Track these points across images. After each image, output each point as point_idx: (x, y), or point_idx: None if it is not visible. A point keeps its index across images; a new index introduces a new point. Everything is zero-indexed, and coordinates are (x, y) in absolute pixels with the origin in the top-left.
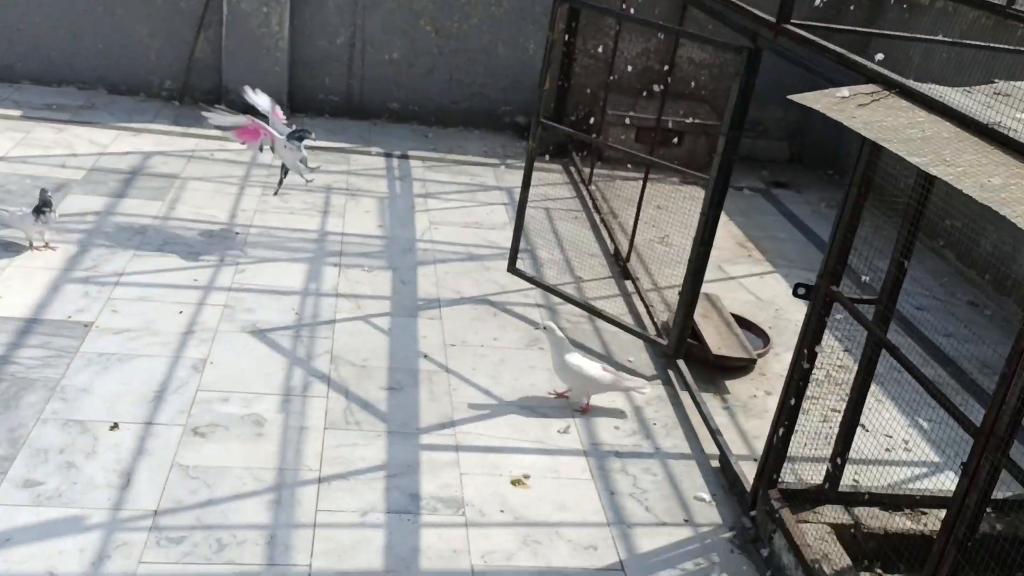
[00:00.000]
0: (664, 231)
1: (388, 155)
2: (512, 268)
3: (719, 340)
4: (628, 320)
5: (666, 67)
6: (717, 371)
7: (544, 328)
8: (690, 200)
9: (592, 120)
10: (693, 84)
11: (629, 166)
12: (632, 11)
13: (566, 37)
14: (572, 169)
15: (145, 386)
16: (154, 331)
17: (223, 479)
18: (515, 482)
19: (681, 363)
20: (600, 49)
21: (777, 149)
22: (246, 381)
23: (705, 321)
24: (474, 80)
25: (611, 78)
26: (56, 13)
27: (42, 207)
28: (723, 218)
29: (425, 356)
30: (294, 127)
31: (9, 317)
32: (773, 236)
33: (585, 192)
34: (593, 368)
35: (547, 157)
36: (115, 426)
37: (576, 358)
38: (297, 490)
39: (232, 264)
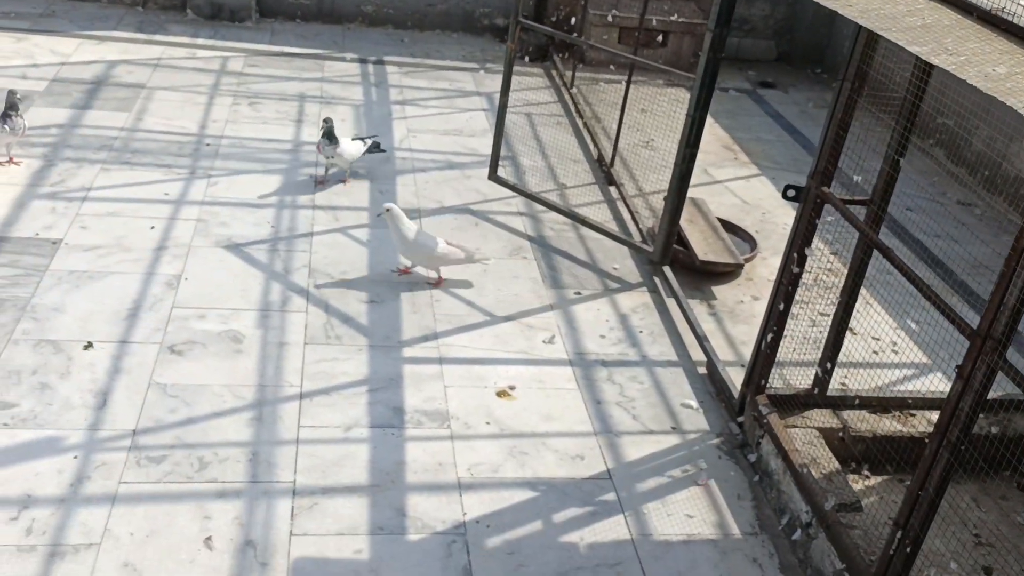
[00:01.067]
0: (649, 135)
1: (363, 61)
2: (493, 176)
3: (705, 245)
4: (613, 227)
5: None
6: (703, 277)
7: (386, 211)
8: (675, 103)
9: (573, 21)
10: None
11: (612, 68)
12: None
13: None
14: (554, 73)
15: (119, 304)
16: (125, 247)
17: (202, 397)
18: (500, 393)
19: (667, 269)
20: None
21: (764, 48)
22: (223, 297)
23: (691, 226)
24: None
25: None
26: None
27: (8, 111)
28: (708, 120)
29: (405, 267)
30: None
31: None
32: (759, 138)
33: (567, 96)
34: (434, 242)
35: (527, 60)
36: (89, 345)
37: (418, 233)
38: (278, 407)
39: (204, 177)
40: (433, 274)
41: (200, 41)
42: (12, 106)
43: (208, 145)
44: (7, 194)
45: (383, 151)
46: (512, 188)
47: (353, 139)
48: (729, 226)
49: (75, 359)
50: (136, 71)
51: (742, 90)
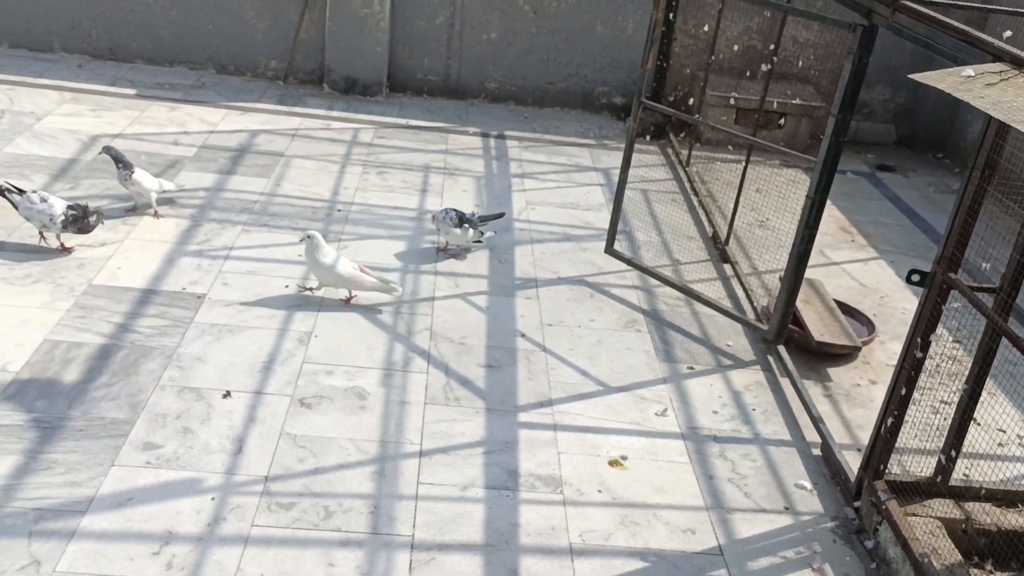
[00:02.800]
0: (764, 214)
1: (485, 135)
2: (610, 249)
3: (822, 326)
4: (727, 304)
5: (772, 47)
6: (819, 358)
7: (308, 238)
8: (791, 183)
9: (691, 101)
10: (801, 64)
11: (730, 147)
12: None
13: (667, 16)
14: (669, 151)
15: (255, 356)
16: (262, 304)
17: (328, 449)
18: (613, 463)
19: (781, 349)
20: (702, 28)
21: (883, 132)
22: (349, 355)
23: (807, 307)
24: (571, 60)
25: (711, 58)
26: None
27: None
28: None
29: (522, 335)
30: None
31: (129, 287)
32: (877, 221)
33: (683, 174)
34: (345, 266)
35: (645, 138)
36: (227, 394)
37: (331, 257)
38: (399, 462)
39: (334, 240)
40: (347, 294)
41: (335, 113)
42: (117, 159)
43: (339, 211)
44: (159, 250)
45: (502, 215)
46: (628, 262)
47: (471, 217)
48: (846, 308)
49: (215, 406)
50: (276, 140)
51: (860, 173)
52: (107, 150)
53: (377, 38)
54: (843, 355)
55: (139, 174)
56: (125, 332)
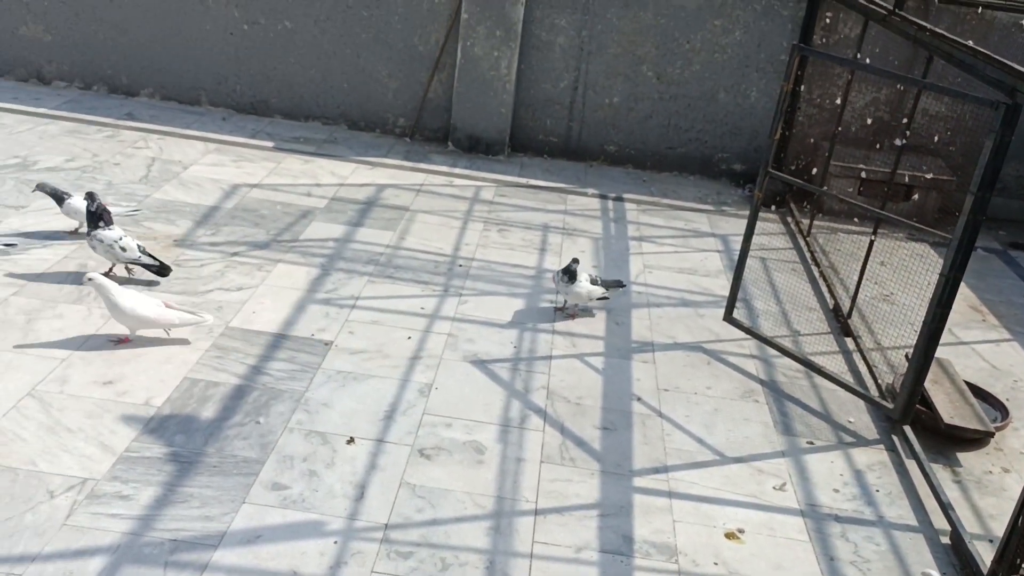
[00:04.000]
0: (888, 289)
1: (603, 197)
2: (729, 317)
3: (951, 408)
4: (848, 379)
5: (904, 120)
6: (948, 442)
7: (88, 281)
8: (917, 258)
9: (814, 171)
10: (937, 138)
11: (856, 220)
12: (868, 61)
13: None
14: (789, 220)
15: (377, 405)
16: (385, 354)
17: (446, 501)
18: (729, 535)
19: (907, 429)
20: (827, 100)
21: (1016, 208)
22: (468, 408)
23: (935, 387)
24: (692, 126)
25: (838, 129)
26: (309, 56)
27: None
28: None
29: (638, 398)
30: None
31: (262, 331)
32: (1010, 301)
33: (803, 244)
34: (145, 306)
35: (770, 208)
36: (351, 440)
37: (125, 298)
38: (515, 519)
39: (455, 295)
40: (165, 331)
41: (457, 171)
42: (53, 195)
43: (460, 266)
44: (290, 297)
45: (622, 286)
46: (747, 331)
47: (593, 281)
48: (977, 391)
49: (339, 451)
50: (401, 195)
51: (991, 250)
52: (40, 187)
53: (502, 100)
54: (974, 440)
55: (75, 201)
56: (258, 374)
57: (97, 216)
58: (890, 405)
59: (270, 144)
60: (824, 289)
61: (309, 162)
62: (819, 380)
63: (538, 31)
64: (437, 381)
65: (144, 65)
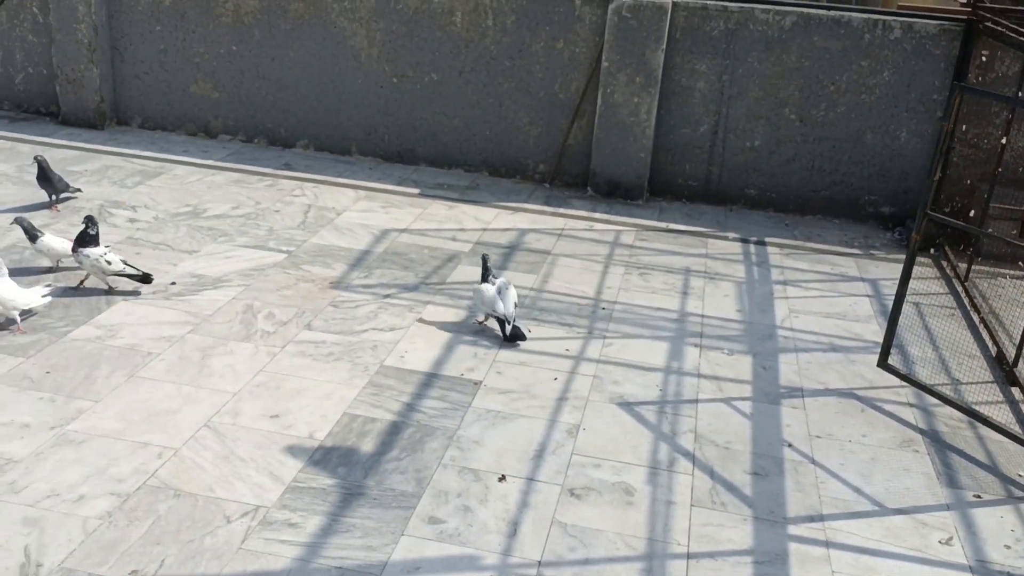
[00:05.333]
0: None
1: (745, 240)
2: (883, 363)
3: None
4: (1017, 429)
5: None
6: None
7: None
8: None
9: (972, 213)
10: None
11: (1020, 264)
12: None
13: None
14: (944, 264)
15: (526, 444)
16: (533, 394)
17: (597, 541)
18: None
19: None
20: (984, 140)
21: None
22: (615, 450)
23: None
24: (837, 168)
25: (998, 169)
26: (453, 105)
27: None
28: None
29: (789, 445)
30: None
31: (415, 371)
32: None
33: (960, 289)
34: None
35: (925, 251)
36: (503, 478)
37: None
38: (667, 562)
39: (599, 337)
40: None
41: (597, 215)
42: (27, 231)
43: (603, 309)
44: (440, 337)
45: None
46: (903, 378)
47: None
48: None
49: (491, 488)
50: (543, 239)
51: None
52: (17, 221)
53: (641, 144)
54: None
55: (47, 239)
56: (411, 411)
57: (87, 239)
58: None
59: (416, 191)
60: (986, 336)
61: (453, 207)
62: (984, 431)
63: (678, 76)
64: (584, 422)
65: (300, 118)
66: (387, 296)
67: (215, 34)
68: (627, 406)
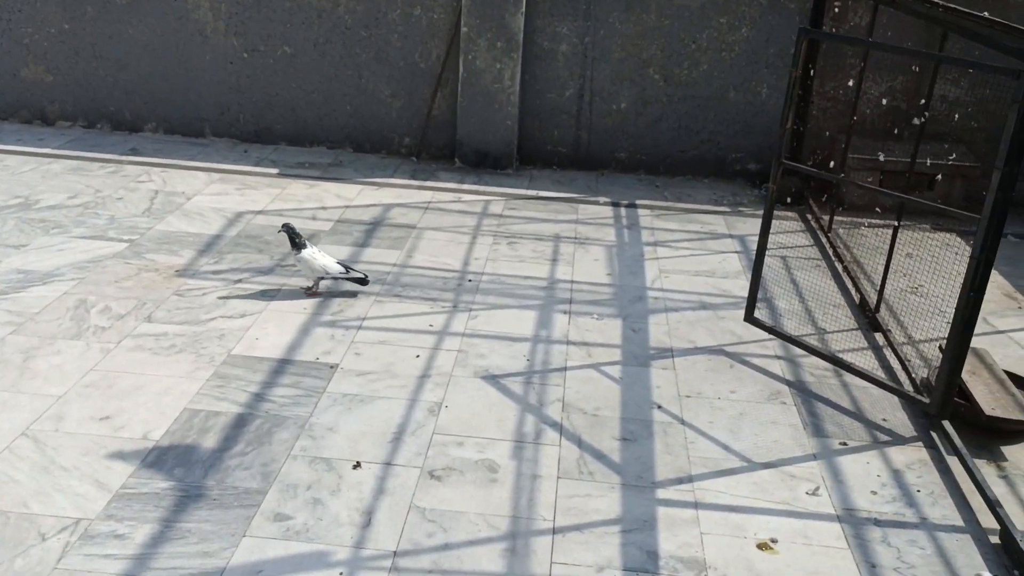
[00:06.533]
0: (916, 280)
1: (616, 204)
2: (749, 317)
3: (992, 399)
4: (880, 375)
5: (923, 101)
6: (990, 435)
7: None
8: (945, 247)
9: (831, 165)
10: (957, 120)
11: (878, 210)
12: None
13: (805, 77)
14: (809, 216)
15: (384, 427)
16: (393, 374)
17: (458, 524)
18: (761, 546)
19: (946, 424)
20: (841, 92)
21: None
22: (479, 426)
23: (973, 378)
24: (703, 127)
25: (854, 120)
26: (310, 80)
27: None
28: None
29: (659, 407)
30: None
31: (265, 357)
32: None
33: (825, 240)
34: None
35: (787, 202)
36: (357, 465)
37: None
38: (532, 539)
39: (465, 310)
40: None
41: (465, 187)
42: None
43: (470, 281)
44: (295, 321)
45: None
46: (769, 330)
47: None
48: (1018, 380)
49: (345, 477)
50: (408, 213)
51: (1022, 235)
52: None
53: (507, 112)
54: (1018, 432)
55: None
56: (260, 401)
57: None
58: (926, 400)
59: (275, 171)
60: (849, 285)
61: (314, 186)
62: (849, 378)
63: (540, 40)
64: (447, 399)
65: (146, 100)
66: (239, 281)
67: (44, 12)
68: (492, 379)
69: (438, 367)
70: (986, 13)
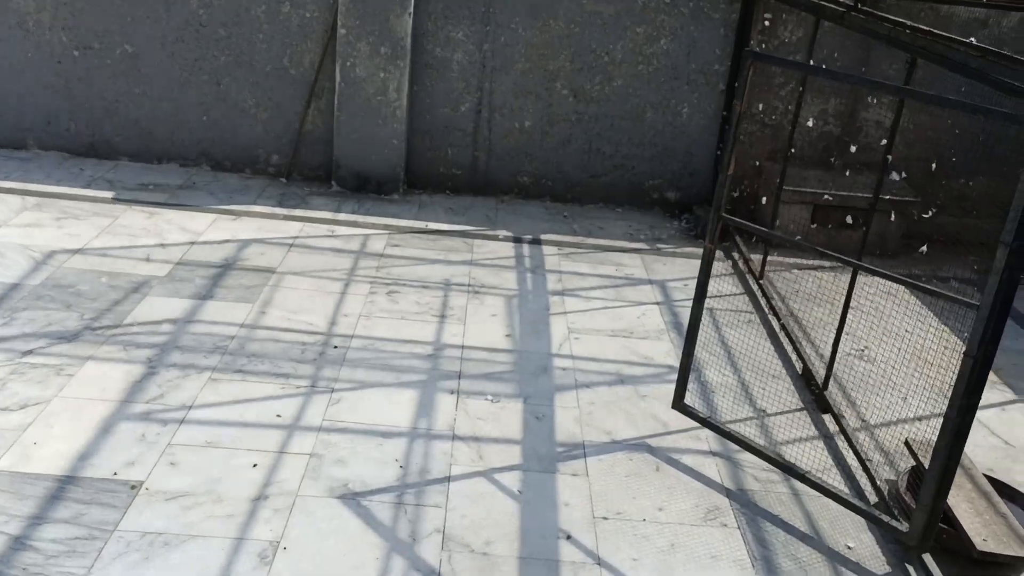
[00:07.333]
0: (861, 340)
1: (518, 240)
2: (679, 404)
3: (981, 525)
4: (838, 479)
5: (884, 142)
6: (979, 567)
7: None
8: (887, 296)
9: (764, 200)
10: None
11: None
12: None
13: (729, 99)
14: (736, 255)
15: None
16: (217, 495)
17: None
18: None
19: (927, 557)
20: (771, 115)
21: (986, 229)
22: None
23: (955, 493)
24: (617, 150)
25: (791, 151)
26: (158, 85)
27: None
28: (936, 324)
29: (568, 537)
30: None
31: (41, 475)
32: (1007, 348)
33: (756, 286)
34: None
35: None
36: None
37: None
38: None
39: (326, 391)
40: None
41: (342, 216)
42: None
43: (336, 348)
44: (94, 413)
45: None
46: (703, 422)
47: None
48: (1003, 488)
49: None
50: (268, 252)
51: (966, 280)
52: None
53: (393, 129)
54: (1013, 566)
55: None
56: (20, 550)
57: None
58: (903, 527)
59: (109, 194)
60: (788, 347)
61: (155, 215)
62: (802, 484)
63: (431, 47)
64: (287, 535)
65: None
66: (28, 353)
67: None
68: (352, 500)
69: (281, 482)
70: (972, 39)
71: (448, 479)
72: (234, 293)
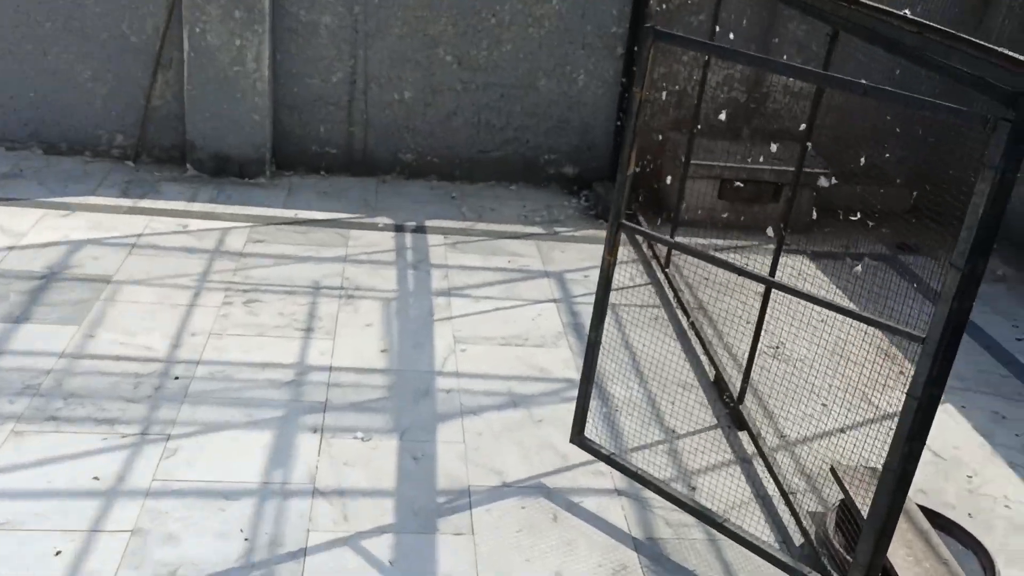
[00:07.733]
0: (774, 334)
1: (399, 229)
2: (578, 439)
3: (920, 571)
4: (757, 516)
5: (804, 129)
6: None
7: None
8: (799, 278)
9: (668, 180)
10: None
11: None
12: (718, 30)
13: (629, 66)
14: (639, 238)
15: None
16: None
17: None
18: None
19: None
20: (673, 83)
21: (895, 196)
22: None
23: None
24: (508, 122)
25: (697, 127)
26: None
27: None
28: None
29: None
30: None
31: None
32: None
33: (662, 276)
34: None
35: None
36: None
37: None
38: None
39: (160, 438)
40: None
41: (196, 206)
42: None
43: (177, 378)
44: None
45: None
46: (607, 460)
47: None
48: (936, 518)
49: None
50: (104, 256)
51: (880, 256)
52: None
53: (254, 103)
54: None
55: None
56: None
57: None
58: None
59: None
60: (698, 347)
61: None
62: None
63: (295, 9)
64: None
65: None
66: None
67: None
68: None
69: (90, 573)
70: (907, 11)
71: (304, 552)
72: (57, 312)
